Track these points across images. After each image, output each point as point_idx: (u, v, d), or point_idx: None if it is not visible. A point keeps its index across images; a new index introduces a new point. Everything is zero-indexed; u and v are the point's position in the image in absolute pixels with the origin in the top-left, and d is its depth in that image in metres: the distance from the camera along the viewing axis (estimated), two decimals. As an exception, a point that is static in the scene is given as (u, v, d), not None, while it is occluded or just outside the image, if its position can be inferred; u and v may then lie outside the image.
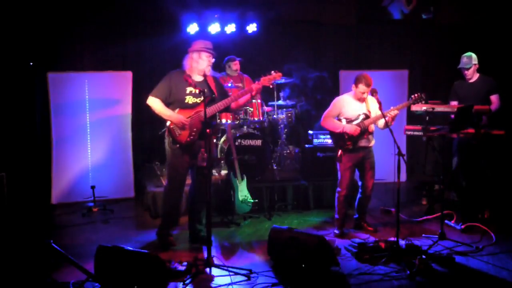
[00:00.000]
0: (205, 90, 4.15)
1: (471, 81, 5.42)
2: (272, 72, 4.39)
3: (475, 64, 5.35)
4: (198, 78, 4.44)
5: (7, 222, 4.91)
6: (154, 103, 4.35)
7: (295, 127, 6.83)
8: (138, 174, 6.63)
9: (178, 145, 4.36)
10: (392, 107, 4.60)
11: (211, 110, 4.32)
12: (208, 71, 4.49)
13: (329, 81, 7.44)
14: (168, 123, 4.35)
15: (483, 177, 5.29)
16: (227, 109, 4.56)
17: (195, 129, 4.32)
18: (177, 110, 4.35)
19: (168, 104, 4.38)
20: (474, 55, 5.35)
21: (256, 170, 5.82)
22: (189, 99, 4.38)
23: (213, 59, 4.48)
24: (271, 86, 4.66)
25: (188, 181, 4.65)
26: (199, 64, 4.42)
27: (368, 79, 4.61)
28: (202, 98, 4.30)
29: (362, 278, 3.78)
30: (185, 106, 4.37)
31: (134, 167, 6.56)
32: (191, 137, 4.33)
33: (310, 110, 6.77)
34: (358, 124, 4.65)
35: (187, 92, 4.38)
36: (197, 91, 4.31)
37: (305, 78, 7.40)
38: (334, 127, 4.72)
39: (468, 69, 5.35)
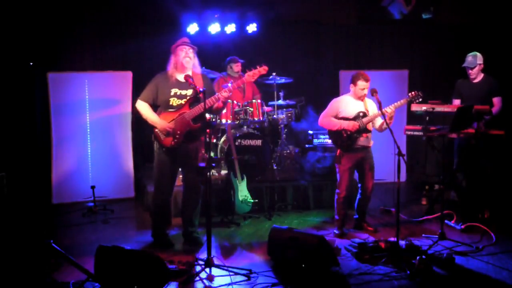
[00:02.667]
0: (199, 89, 4.04)
1: (475, 81, 5.40)
2: (257, 66, 4.27)
3: (480, 64, 5.30)
4: (181, 77, 4.39)
5: (7, 222, 4.91)
6: (142, 107, 4.41)
7: (295, 127, 6.82)
8: (138, 174, 6.63)
9: (164, 149, 4.38)
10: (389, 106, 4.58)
11: (194, 111, 4.30)
12: (196, 68, 4.44)
13: (329, 81, 7.44)
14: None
15: (483, 177, 5.29)
16: (210, 110, 4.49)
17: (178, 132, 4.32)
18: (162, 112, 4.36)
19: (156, 107, 4.41)
20: (479, 55, 5.31)
21: (256, 170, 5.82)
22: (174, 101, 4.37)
23: (191, 50, 4.39)
24: (252, 80, 4.38)
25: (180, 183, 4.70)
26: (178, 63, 4.39)
27: (365, 74, 4.65)
28: (186, 99, 4.33)
29: (362, 278, 3.78)
30: (169, 108, 4.37)
31: (134, 167, 6.57)
32: (175, 141, 4.33)
33: (310, 110, 6.76)
34: (356, 122, 4.65)
35: (172, 94, 4.37)
36: (181, 92, 4.34)
37: (305, 78, 7.41)
38: (331, 125, 4.71)
39: (472, 68, 5.31)
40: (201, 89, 4.00)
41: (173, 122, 4.31)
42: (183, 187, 4.67)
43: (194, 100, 4.35)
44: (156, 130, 4.36)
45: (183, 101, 4.37)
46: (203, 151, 4.70)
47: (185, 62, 4.38)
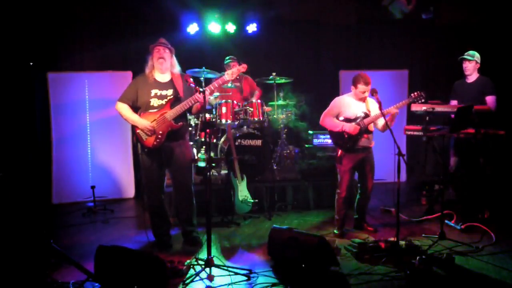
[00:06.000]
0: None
1: (469, 80, 5.42)
2: (237, 64, 4.30)
3: (476, 62, 5.32)
4: (160, 78, 4.43)
5: (7, 222, 4.91)
6: (122, 108, 4.40)
7: (295, 127, 6.83)
8: (138, 174, 6.63)
9: (146, 150, 4.37)
10: (391, 106, 4.59)
11: (175, 110, 4.29)
12: (175, 69, 4.45)
13: (329, 81, 7.44)
14: (136, 129, 4.35)
15: (482, 177, 5.28)
16: (190, 110, 4.46)
17: (160, 132, 4.31)
18: (142, 113, 4.35)
19: (136, 108, 4.40)
20: (478, 54, 5.36)
21: (256, 170, 5.82)
22: (154, 102, 4.37)
23: (166, 50, 4.41)
24: (236, 77, 4.39)
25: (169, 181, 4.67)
26: (154, 65, 4.41)
27: (366, 77, 4.62)
28: (167, 100, 4.34)
29: (362, 278, 3.77)
30: (150, 109, 4.36)
31: (134, 167, 6.57)
32: (158, 141, 4.31)
33: (310, 110, 6.77)
34: (357, 123, 4.64)
35: (152, 94, 4.37)
36: (162, 93, 4.35)
37: (305, 78, 7.41)
38: (333, 126, 4.71)
39: (468, 60, 5.33)
40: (201, 89, 4.00)
41: (155, 122, 4.31)
42: (173, 189, 4.64)
43: (175, 100, 4.35)
44: (138, 131, 4.34)
45: (164, 102, 4.36)
46: (191, 149, 4.64)
47: (158, 63, 4.40)
